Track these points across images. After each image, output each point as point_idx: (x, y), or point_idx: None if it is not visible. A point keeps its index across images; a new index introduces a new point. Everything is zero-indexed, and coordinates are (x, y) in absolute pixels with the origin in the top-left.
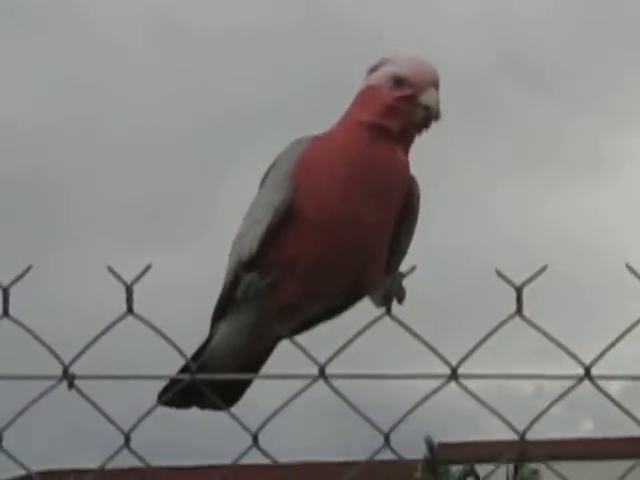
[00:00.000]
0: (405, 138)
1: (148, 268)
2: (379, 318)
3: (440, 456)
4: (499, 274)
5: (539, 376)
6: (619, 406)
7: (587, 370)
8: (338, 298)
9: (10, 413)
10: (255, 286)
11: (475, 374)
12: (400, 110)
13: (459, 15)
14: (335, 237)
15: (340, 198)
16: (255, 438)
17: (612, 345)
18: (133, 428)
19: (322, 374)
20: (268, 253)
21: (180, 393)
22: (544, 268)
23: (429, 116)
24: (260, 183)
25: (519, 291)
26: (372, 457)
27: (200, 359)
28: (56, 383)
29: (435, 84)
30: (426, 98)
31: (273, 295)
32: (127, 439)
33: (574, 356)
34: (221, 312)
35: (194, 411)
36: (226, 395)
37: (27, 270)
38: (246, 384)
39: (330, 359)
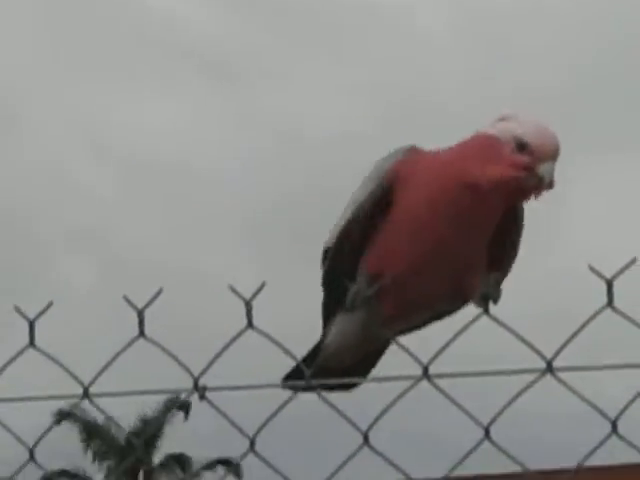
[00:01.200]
0: (509, 199)
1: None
2: (477, 318)
3: None
4: (591, 269)
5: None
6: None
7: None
8: (442, 304)
9: None
10: (362, 295)
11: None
12: (514, 176)
13: None
14: (426, 251)
15: (434, 218)
16: (366, 437)
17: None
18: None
19: (425, 374)
20: (372, 259)
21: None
22: (634, 261)
23: (539, 187)
24: None
25: (610, 284)
26: None
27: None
28: (189, 395)
29: (556, 157)
30: (543, 169)
31: (380, 303)
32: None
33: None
34: (330, 313)
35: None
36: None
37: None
38: (366, 371)
39: (433, 359)
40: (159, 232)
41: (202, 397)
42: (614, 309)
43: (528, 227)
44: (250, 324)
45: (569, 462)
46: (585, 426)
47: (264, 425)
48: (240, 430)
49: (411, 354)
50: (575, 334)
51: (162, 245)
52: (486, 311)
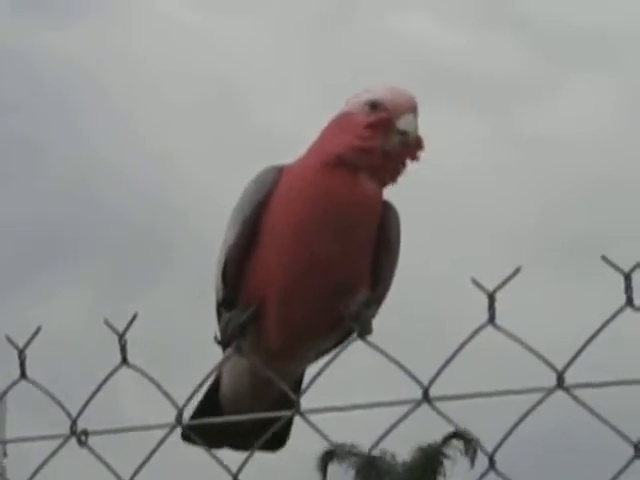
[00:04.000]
0: (382, 167)
1: (135, 317)
2: (349, 342)
3: None
4: (474, 281)
5: (517, 391)
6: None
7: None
8: (331, 331)
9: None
10: (234, 322)
11: (448, 395)
12: (374, 136)
13: None
14: (297, 271)
15: (296, 233)
16: None
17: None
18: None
19: (297, 409)
20: (242, 288)
21: (207, 433)
22: (517, 271)
23: (407, 143)
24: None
25: (492, 298)
26: None
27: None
28: (64, 441)
29: (414, 109)
30: (404, 123)
31: (259, 333)
32: None
33: (548, 362)
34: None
35: None
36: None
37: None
38: (288, 423)
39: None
40: None
41: (82, 443)
42: (496, 326)
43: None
44: (124, 360)
45: None
46: None
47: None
48: None
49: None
50: (453, 355)
51: None
52: (360, 335)
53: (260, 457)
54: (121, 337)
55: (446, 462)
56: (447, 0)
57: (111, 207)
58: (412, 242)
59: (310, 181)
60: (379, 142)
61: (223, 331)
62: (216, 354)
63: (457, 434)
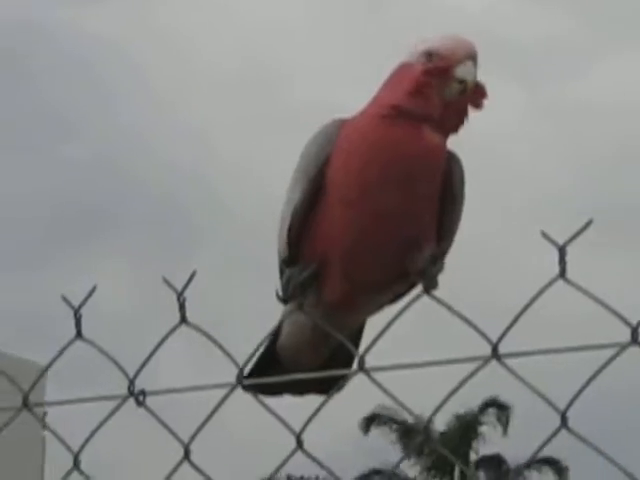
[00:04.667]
0: (442, 117)
1: (194, 274)
2: (416, 299)
3: None
4: (544, 235)
5: (586, 347)
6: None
7: (635, 331)
8: (395, 285)
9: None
10: (295, 280)
11: (518, 352)
12: (431, 85)
13: None
14: (361, 225)
15: (359, 187)
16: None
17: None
18: (192, 439)
19: (361, 367)
20: (304, 245)
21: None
22: (589, 224)
23: (465, 91)
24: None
25: (562, 250)
26: None
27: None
28: (122, 402)
29: (472, 57)
30: (461, 71)
31: (320, 289)
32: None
33: (622, 317)
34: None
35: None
36: (320, 382)
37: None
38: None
39: (368, 349)
40: None
41: (140, 403)
42: (567, 280)
43: None
44: (184, 319)
45: None
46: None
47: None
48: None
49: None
50: (522, 312)
51: None
52: (426, 290)
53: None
54: (180, 295)
55: (482, 429)
56: None
57: (145, 182)
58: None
59: (370, 133)
60: (436, 91)
61: (285, 288)
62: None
63: (492, 402)
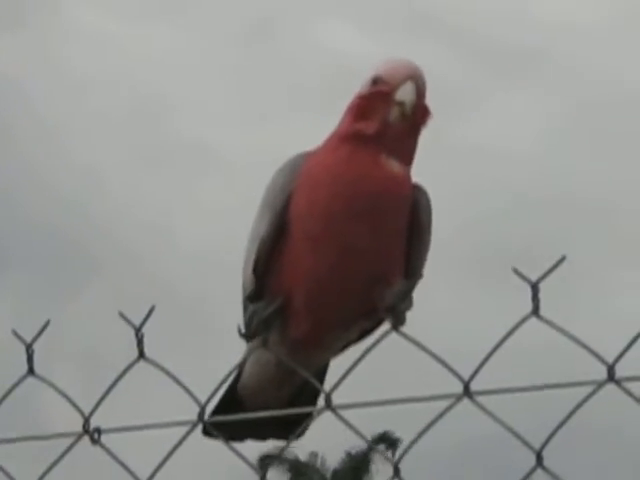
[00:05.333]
0: (394, 142)
1: (152, 310)
2: (385, 335)
3: None
4: (515, 271)
5: (562, 385)
6: None
7: (611, 369)
8: (361, 322)
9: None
10: (260, 316)
11: (490, 390)
12: (373, 109)
13: None
14: (326, 261)
15: (323, 221)
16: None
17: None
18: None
19: (328, 404)
20: (269, 280)
21: (229, 427)
22: (562, 260)
23: (405, 113)
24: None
25: (535, 288)
26: None
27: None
28: (77, 439)
29: (412, 78)
30: (400, 94)
31: (285, 325)
32: None
33: (597, 355)
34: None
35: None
36: (284, 424)
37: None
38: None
39: (335, 386)
40: None
41: (95, 441)
42: (540, 317)
43: None
44: (142, 354)
45: None
46: None
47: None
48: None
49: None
50: (494, 350)
51: None
52: (394, 327)
53: None
54: (138, 330)
55: (373, 466)
56: (369, 10)
57: (35, 217)
58: None
59: (331, 166)
60: (381, 116)
61: (248, 324)
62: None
63: (383, 438)
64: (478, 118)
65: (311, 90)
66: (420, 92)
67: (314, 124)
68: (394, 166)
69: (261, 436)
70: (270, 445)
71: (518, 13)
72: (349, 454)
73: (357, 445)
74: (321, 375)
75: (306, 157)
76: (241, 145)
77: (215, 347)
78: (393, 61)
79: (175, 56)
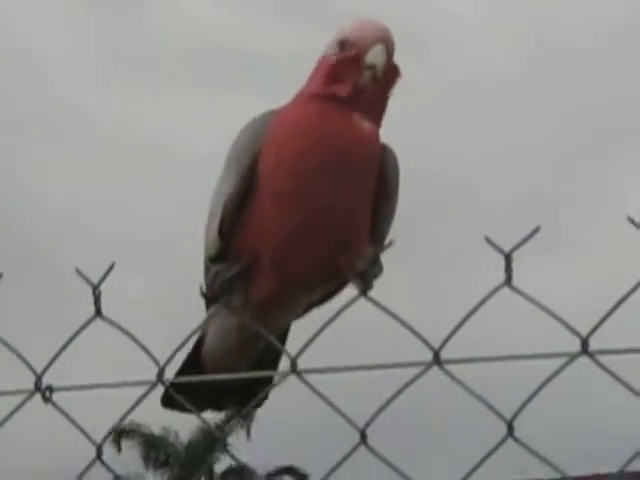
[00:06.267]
0: (366, 104)
1: (112, 267)
2: (353, 301)
3: None
4: (488, 240)
5: (535, 356)
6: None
7: (584, 342)
8: (325, 284)
9: None
10: (222, 277)
11: (460, 358)
12: (345, 74)
13: None
14: (295, 220)
15: (292, 179)
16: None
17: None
18: (104, 440)
19: (294, 368)
20: (234, 241)
21: (188, 396)
22: (536, 230)
23: (376, 75)
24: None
25: (508, 258)
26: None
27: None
28: (28, 396)
29: (382, 41)
30: (371, 57)
31: (249, 286)
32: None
33: (571, 327)
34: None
35: None
36: (244, 393)
37: None
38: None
39: (301, 351)
40: None
41: (47, 399)
42: (512, 287)
43: None
44: (98, 312)
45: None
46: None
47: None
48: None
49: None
50: (466, 318)
51: None
52: (364, 292)
53: None
54: (95, 288)
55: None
56: None
57: None
58: None
59: (300, 123)
60: (352, 80)
61: (211, 285)
62: None
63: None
64: None
65: (173, 61)
66: (389, 53)
67: (174, 96)
68: (365, 125)
69: (221, 405)
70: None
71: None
72: (202, 429)
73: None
74: (282, 340)
75: (274, 114)
76: (107, 111)
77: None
78: (360, 23)
79: (43, 19)
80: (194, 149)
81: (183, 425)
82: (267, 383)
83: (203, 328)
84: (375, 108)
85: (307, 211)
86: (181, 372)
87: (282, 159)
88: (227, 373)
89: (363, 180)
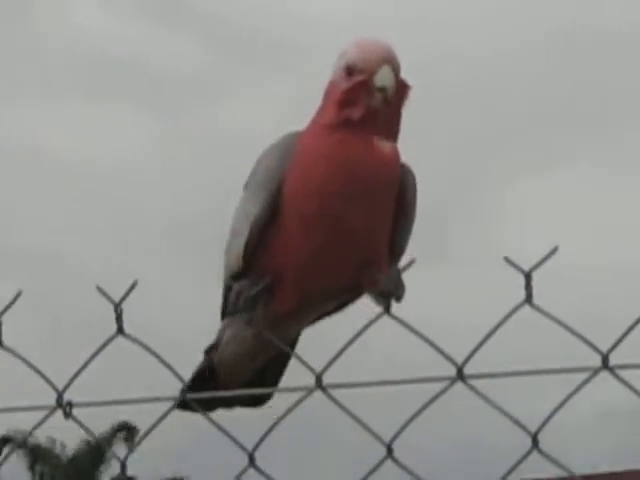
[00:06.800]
0: (381, 124)
1: (134, 285)
2: (377, 318)
3: None
4: (507, 260)
5: (561, 370)
6: None
7: (605, 358)
8: (345, 299)
9: None
10: (245, 296)
11: (483, 373)
12: (357, 99)
13: None
14: (319, 240)
15: (318, 202)
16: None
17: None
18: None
19: (319, 384)
20: (258, 260)
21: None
22: (554, 250)
23: (387, 97)
24: (244, 185)
25: (528, 277)
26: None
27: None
28: (50, 412)
29: (387, 61)
30: (379, 79)
31: (270, 303)
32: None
33: (591, 344)
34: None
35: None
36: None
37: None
38: (276, 380)
39: (327, 366)
40: None
41: (67, 415)
42: (532, 305)
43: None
44: (120, 330)
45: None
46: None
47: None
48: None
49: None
50: (489, 336)
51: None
52: (387, 310)
53: None
54: (117, 306)
55: (110, 453)
56: None
57: None
58: None
59: (325, 147)
60: (364, 104)
61: (234, 303)
62: None
63: (123, 426)
64: (228, 106)
65: (60, 70)
66: (396, 72)
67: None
68: (386, 147)
69: (231, 405)
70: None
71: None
72: (87, 441)
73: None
74: (292, 346)
75: (298, 137)
76: None
77: None
78: (363, 45)
79: None
80: (77, 155)
81: (69, 437)
82: (275, 383)
83: (218, 335)
84: (390, 126)
85: (331, 232)
86: (196, 378)
87: (308, 182)
88: (238, 376)
89: (385, 201)
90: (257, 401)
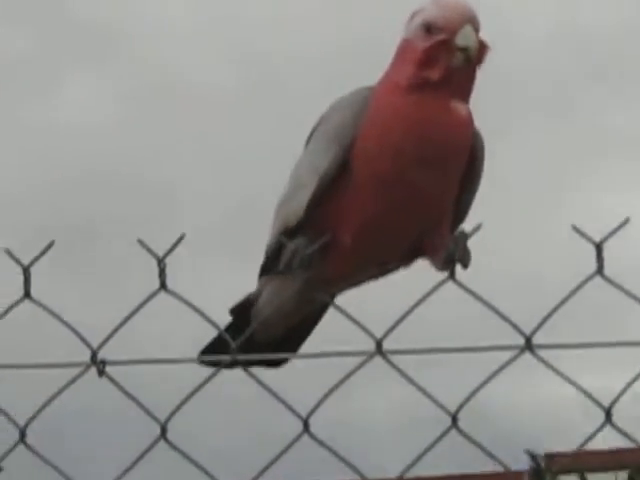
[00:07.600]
0: (458, 86)
1: (181, 238)
2: (441, 284)
3: (547, 467)
4: (576, 230)
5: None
6: None
7: None
8: (396, 262)
9: (33, 406)
10: (301, 255)
11: (551, 344)
12: (437, 59)
13: None
14: (388, 203)
15: (393, 161)
16: (306, 424)
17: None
18: (170, 417)
19: (379, 350)
20: (316, 218)
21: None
22: (626, 221)
23: (469, 57)
24: (307, 138)
25: (599, 248)
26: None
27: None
28: (84, 370)
29: (469, 21)
30: (461, 39)
31: (323, 263)
32: (164, 430)
33: None
34: (266, 273)
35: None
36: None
37: (49, 246)
38: (300, 341)
39: (388, 332)
40: None
41: (101, 372)
42: (604, 276)
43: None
44: (163, 285)
45: None
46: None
47: (178, 409)
48: (152, 415)
49: (362, 327)
50: (559, 305)
51: None
52: (452, 276)
53: None
54: (160, 261)
55: None
56: None
57: None
58: None
59: (402, 107)
60: (444, 63)
61: (287, 263)
62: None
63: None
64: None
65: None
66: (477, 31)
67: None
68: (462, 110)
69: (250, 363)
70: None
71: None
72: None
73: None
74: (325, 307)
75: (371, 92)
76: None
77: None
78: (443, 3)
79: None
80: None
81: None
82: (297, 346)
83: (254, 292)
84: (466, 88)
85: (403, 193)
86: (229, 328)
87: (384, 141)
88: (272, 332)
89: (457, 165)
90: (278, 362)
